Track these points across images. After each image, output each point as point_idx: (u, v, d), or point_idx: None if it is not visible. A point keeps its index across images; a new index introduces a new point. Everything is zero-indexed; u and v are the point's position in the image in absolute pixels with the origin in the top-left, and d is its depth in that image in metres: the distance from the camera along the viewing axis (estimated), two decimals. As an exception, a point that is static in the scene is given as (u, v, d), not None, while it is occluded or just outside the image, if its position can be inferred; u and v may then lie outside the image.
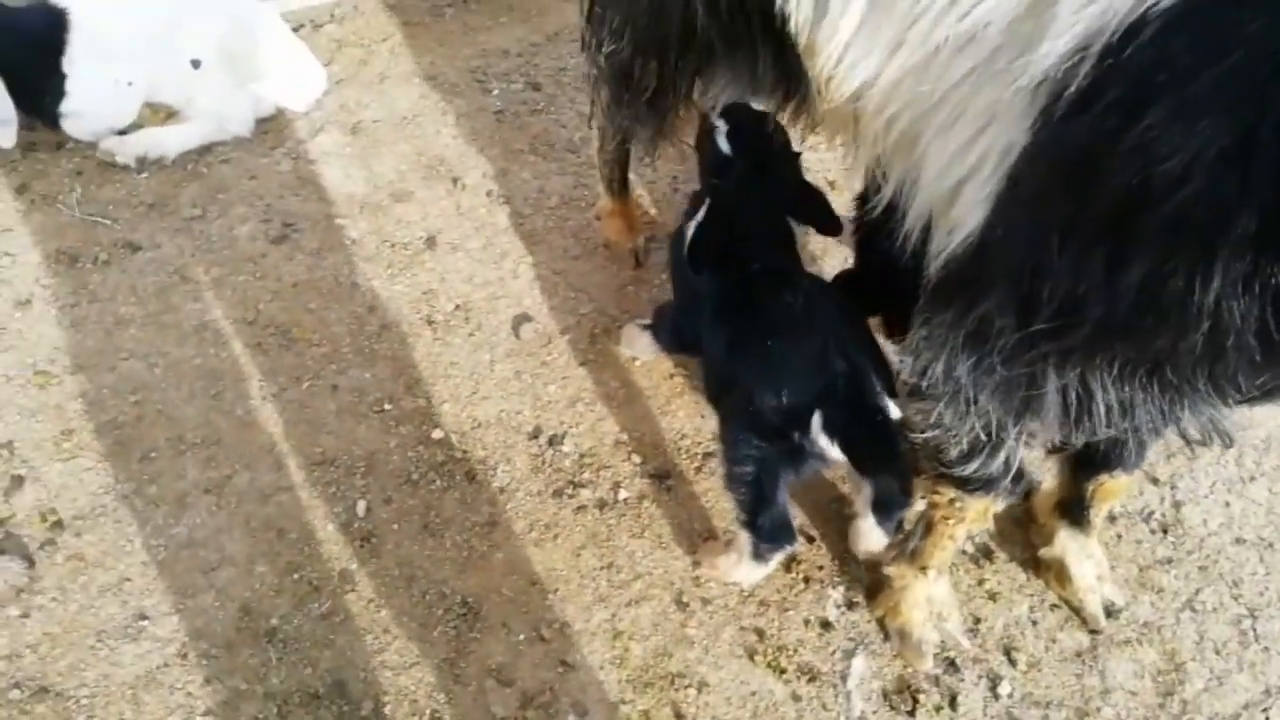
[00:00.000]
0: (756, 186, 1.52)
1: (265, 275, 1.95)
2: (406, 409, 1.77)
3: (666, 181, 2.17)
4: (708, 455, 1.72)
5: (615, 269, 2.01)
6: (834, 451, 1.28)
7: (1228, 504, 1.70)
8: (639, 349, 1.81)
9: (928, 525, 1.41)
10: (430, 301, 1.93)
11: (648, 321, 1.80)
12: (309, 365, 1.82)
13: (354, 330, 1.88)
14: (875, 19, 1.06)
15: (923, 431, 1.24)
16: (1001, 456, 1.22)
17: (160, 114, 2.16)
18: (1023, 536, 1.62)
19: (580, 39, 1.64)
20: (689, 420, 1.77)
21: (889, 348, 1.50)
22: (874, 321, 1.74)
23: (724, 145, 1.54)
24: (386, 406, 1.77)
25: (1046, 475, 1.60)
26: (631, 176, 1.97)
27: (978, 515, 1.35)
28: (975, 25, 0.95)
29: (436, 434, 1.74)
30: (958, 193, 1.06)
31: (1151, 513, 1.69)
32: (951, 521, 1.37)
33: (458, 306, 1.93)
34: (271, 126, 2.21)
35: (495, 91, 2.34)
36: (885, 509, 1.36)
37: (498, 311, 1.92)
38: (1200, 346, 0.88)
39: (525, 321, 1.90)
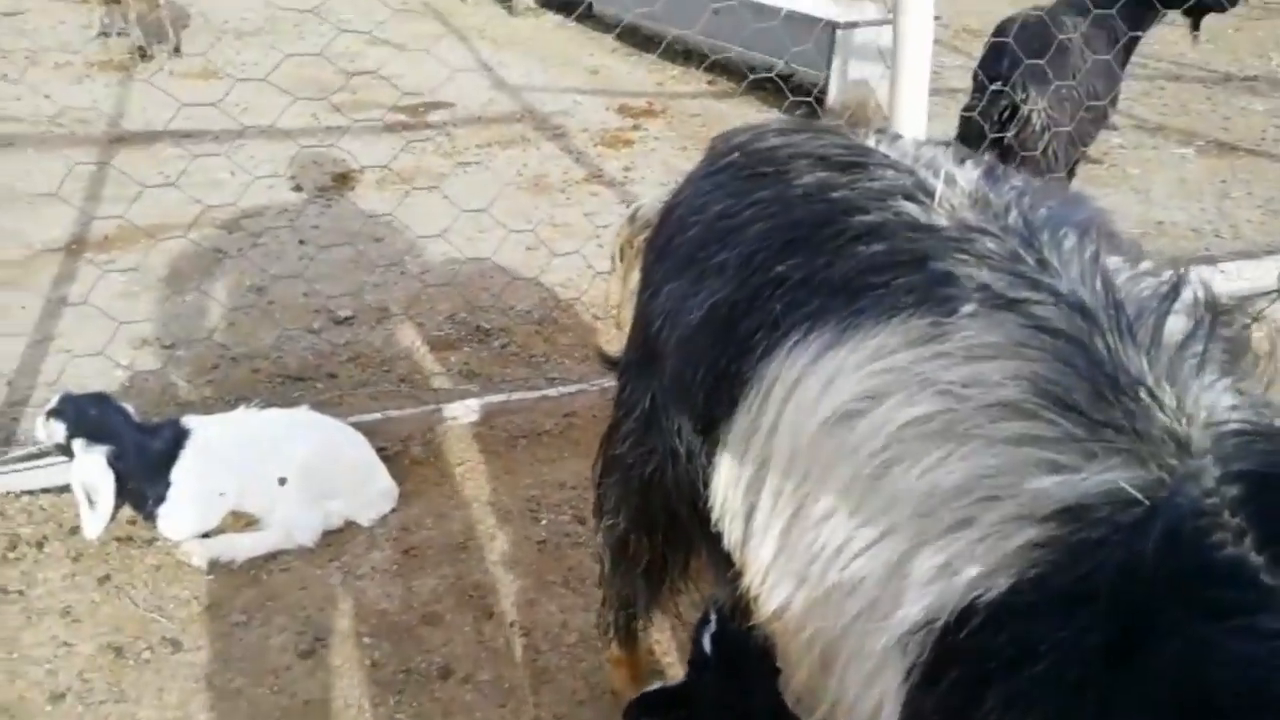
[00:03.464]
0: (727, 692, 1.52)
1: (282, 690, 2.01)
2: None
3: (686, 629, 2.16)
4: None
5: None
6: None
7: None
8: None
9: None
10: (428, 736, 1.92)
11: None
12: (291, 795, 1.80)
13: (346, 760, 1.87)
14: (786, 552, 1.12)
15: None
16: None
17: (241, 521, 2.41)
18: None
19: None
20: None
21: None
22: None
23: (705, 644, 1.58)
24: None
25: None
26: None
27: None
28: (855, 576, 1.00)
29: None
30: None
31: None
32: None
33: (452, 745, 1.90)
34: (335, 539, 2.42)
35: (544, 522, 2.50)
36: None
37: (490, 756, 1.88)
38: None
39: (515, 771, 1.84)
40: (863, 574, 0.98)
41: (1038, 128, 3.74)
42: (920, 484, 0.93)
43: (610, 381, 2.95)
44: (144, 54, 6.36)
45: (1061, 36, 3.55)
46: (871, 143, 1.32)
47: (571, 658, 2.09)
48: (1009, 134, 3.68)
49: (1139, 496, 0.79)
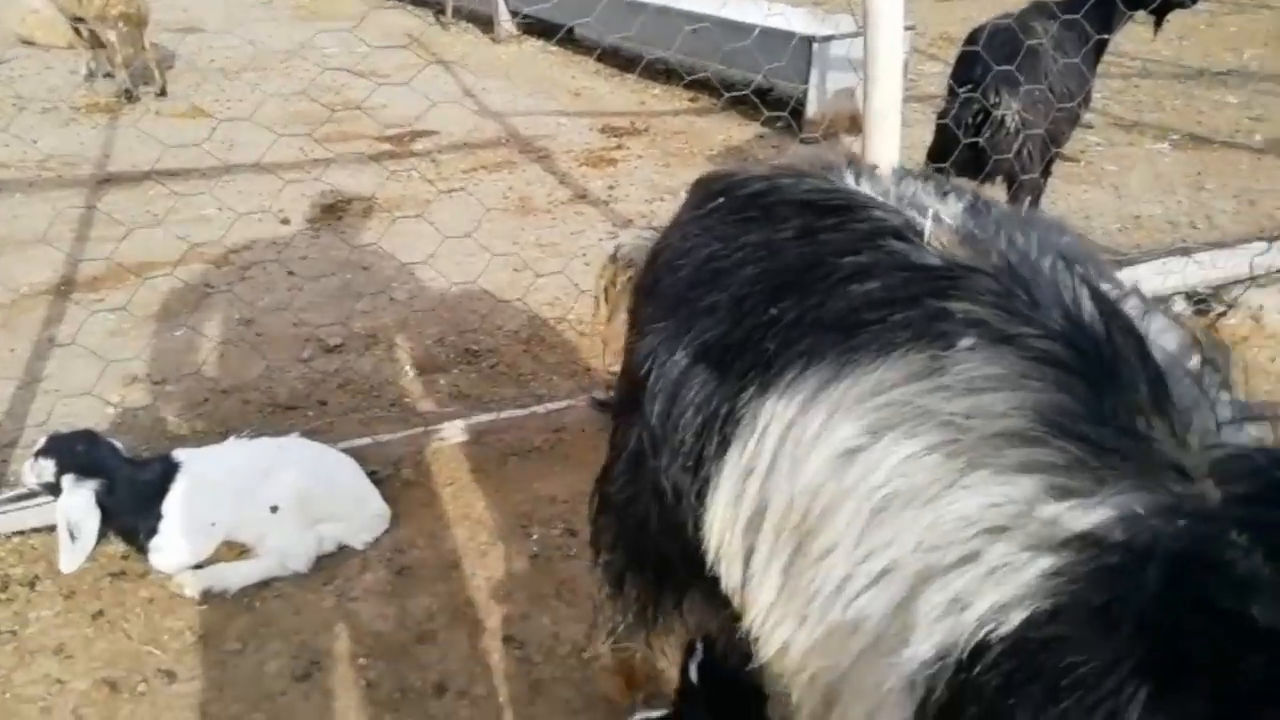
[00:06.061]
0: None
1: (278, 715, 2.02)
2: None
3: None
4: None
5: (613, 728, 1.96)
6: None
7: None
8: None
9: None
10: (424, 753, 1.93)
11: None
12: (288, 818, 1.80)
13: (342, 781, 1.87)
14: (787, 592, 1.13)
15: None
16: None
17: (235, 550, 2.43)
18: None
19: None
20: None
21: None
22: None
23: (692, 673, 1.60)
24: None
25: None
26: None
27: None
28: (859, 614, 1.00)
29: None
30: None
31: None
32: None
33: (448, 761, 1.91)
34: (329, 563, 2.43)
35: (535, 536, 2.51)
36: None
37: (486, 770, 1.89)
38: None
39: (511, 784, 1.85)
40: (866, 612, 0.98)
41: (1011, 130, 3.79)
42: (924, 517, 0.93)
43: (599, 394, 2.99)
44: (130, 96, 6.44)
45: (1030, 41, 3.61)
46: (851, 182, 1.34)
47: (565, 668, 2.10)
48: (982, 138, 3.73)
49: (1155, 520, 0.80)
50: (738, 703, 1.60)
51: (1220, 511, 0.79)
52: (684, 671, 1.62)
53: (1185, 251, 3.52)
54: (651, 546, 1.52)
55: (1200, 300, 3.28)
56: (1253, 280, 3.32)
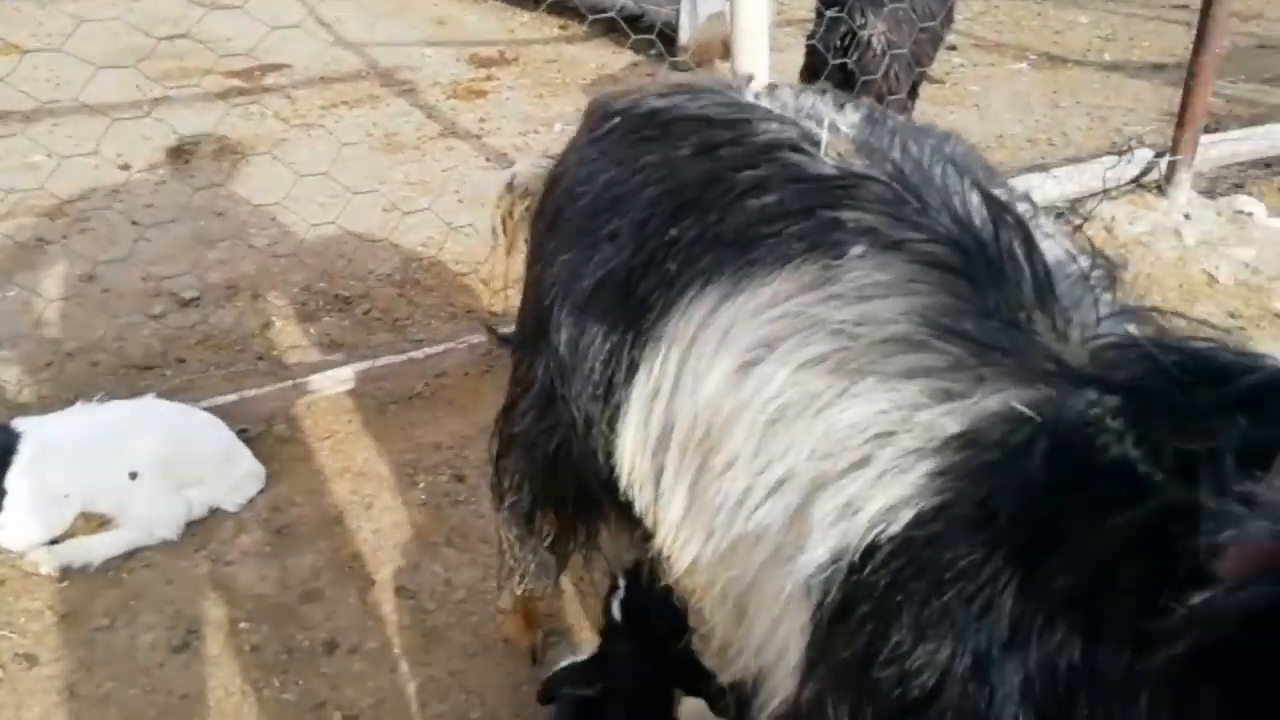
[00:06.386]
0: (640, 657, 1.56)
1: (156, 688, 1.91)
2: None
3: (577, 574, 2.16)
4: None
5: (513, 666, 1.95)
6: None
7: None
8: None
9: None
10: (318, 715, 1.86)
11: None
12: (175, 794, 1.72)
13: (231, 750, 1.80)
14: (694, 508, 1.13)
15: None
16: None
17: (94, 522, 2.26)
18: None
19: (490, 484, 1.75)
20: None
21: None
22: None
23: (615, 610, 1.59)
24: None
25: None
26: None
27: None
28: (759, 524, 1.00)
29: None
30: (778, 663, 1.06)
31: None
32: None
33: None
34: (200, 528, 2.29)
35: (421, 484, 2.44)
36: None
37: (384, 724, 1.84)
38: None
39: (411, 735, 1.81)
40: (766, 522, 0.99)
41: (877, 51, 3.81)
42: (816, 426, 0.93)
43: (479, 337, 2.90)
44: (-69, 31, 5.75)
45: (894, -42, 3.61)
46: (750, 97, 1.31)
47: (460, 614, 2.06)
48: (850, 59, 3.75)
49: (1030, 414, 0.81)
50: (662, 637, 1.60)
51: (1096, 400, 0.81)
52: (607, 609, 1.61)
53: (1044, 168, 3.66)
54: (569, 479, 1.49)
55: (1058, 215, 3.43)
56: (1105, 193, 3.50)
